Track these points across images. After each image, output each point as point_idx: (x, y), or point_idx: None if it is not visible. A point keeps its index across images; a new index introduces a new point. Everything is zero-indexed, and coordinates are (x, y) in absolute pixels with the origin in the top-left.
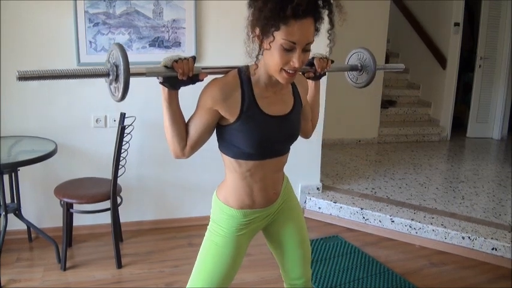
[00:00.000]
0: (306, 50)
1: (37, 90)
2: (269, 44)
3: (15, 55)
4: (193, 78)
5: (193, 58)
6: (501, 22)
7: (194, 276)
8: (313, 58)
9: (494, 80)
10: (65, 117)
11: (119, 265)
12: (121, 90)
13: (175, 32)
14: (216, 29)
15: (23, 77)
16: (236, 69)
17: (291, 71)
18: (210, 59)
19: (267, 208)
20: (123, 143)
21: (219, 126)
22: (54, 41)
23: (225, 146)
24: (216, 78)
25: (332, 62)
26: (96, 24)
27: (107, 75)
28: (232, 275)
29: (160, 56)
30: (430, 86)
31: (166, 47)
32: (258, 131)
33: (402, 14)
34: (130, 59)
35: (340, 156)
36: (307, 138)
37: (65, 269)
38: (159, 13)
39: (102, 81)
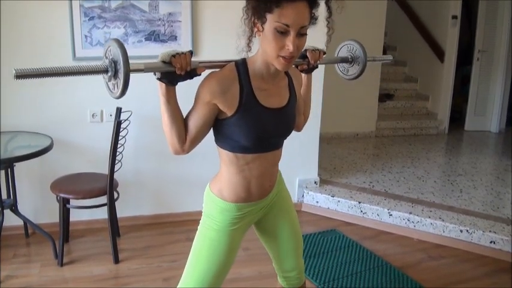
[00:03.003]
0: (301, 34)
1: (32, 85)
2: (262, 26)
3: (10, 50)
4: (191, 73)
5: (191, 52)
6: (499, 15)
7: (188, 272)
8: (305, 50)
9: (492, 73)
10: (60, 112)
11: (116, 260)
12: (121, 86)
13: (171, 26)
14: (212, 22)
15: (20, 75)
16: (233, 63)
17: (287, 57)
18: (207, 52)
19: (261, 201)
20: (120, 137)
21: (216, 120)
22: (49, 36)
23: (222, 139)
24: (213, 72)
25: (324, 53)
26: (92, 18)
27: (105, 71)
28: (226, 271)
29: (156, 50)
30: (428, 79)
31: (163, 41)
32: (256, 124)
33: (400, 7)
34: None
35: (338, 150)
36: (299, 131)
37: (62, 265)
38: (155, 6)
39: (98, 75)
